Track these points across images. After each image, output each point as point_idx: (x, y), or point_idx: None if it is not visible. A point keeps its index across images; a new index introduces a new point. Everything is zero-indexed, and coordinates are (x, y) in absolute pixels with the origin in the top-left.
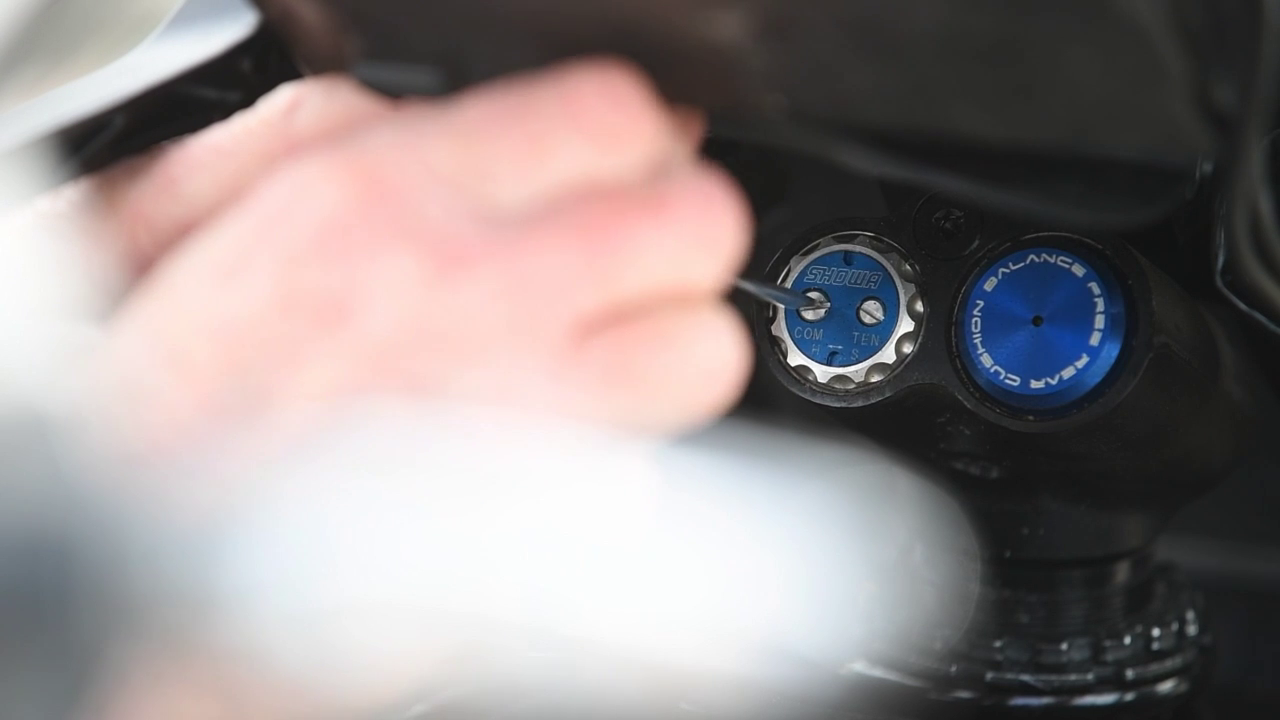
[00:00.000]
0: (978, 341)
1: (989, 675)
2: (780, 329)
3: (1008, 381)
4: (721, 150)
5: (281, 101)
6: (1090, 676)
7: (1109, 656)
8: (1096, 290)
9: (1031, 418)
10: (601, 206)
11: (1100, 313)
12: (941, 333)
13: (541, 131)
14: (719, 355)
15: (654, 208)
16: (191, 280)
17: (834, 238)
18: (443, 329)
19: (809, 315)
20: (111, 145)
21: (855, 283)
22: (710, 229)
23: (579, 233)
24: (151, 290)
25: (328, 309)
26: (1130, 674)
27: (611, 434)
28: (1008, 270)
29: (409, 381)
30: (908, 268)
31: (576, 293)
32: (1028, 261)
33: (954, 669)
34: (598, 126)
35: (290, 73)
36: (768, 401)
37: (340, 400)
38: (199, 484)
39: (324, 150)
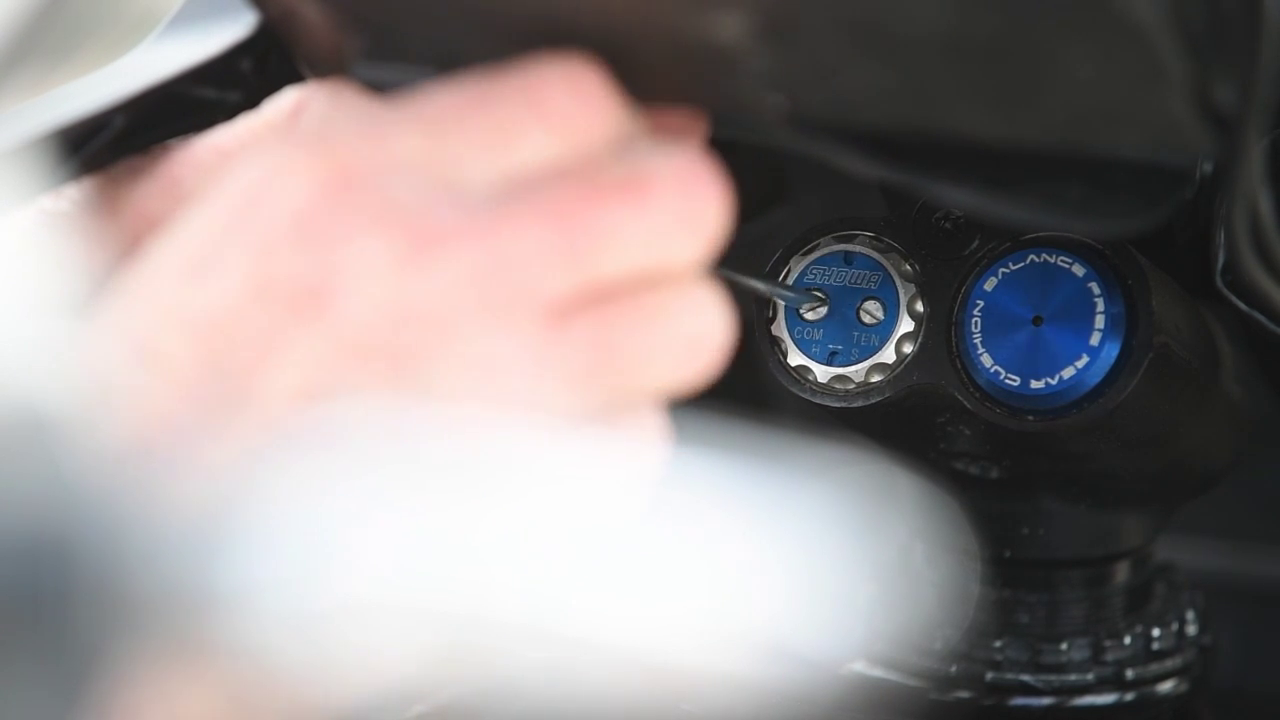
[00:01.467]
0: (978, 341)
1: (989, 675)
2: (780, 329)
3: (1008, 381)
4: (721, 150)
5: (286, 104)
6: (1090, 676)
7: (1109, 656)
8: (1096, 290)
9: (1031, 418)
10: (572, 189)
11: (1100, 313)
12: (942, 333)
13: (504, 120)
14: (703, 324)
15: (627, 189)
16: (162, 274)
17: (834, 238)
18: (419, 310)
19: (809, 315)
20: (111, 145)
21: (855, 283)
22: (689, 208)
23: (551, 215)
24: (123, 286)
25: (303, 297)
26: (1130, 674)
27: (601, 413)
28: (1008, 270)
29: (389, 365)
30: (908, 268)
31: (551, 273)
32: (1028, 261)
33: (954, 669)
34: (559, 115)
35: (290, 73)
36: (768, 401)
37: (321, 388)
38: (189, 477)
39: (288, 141)
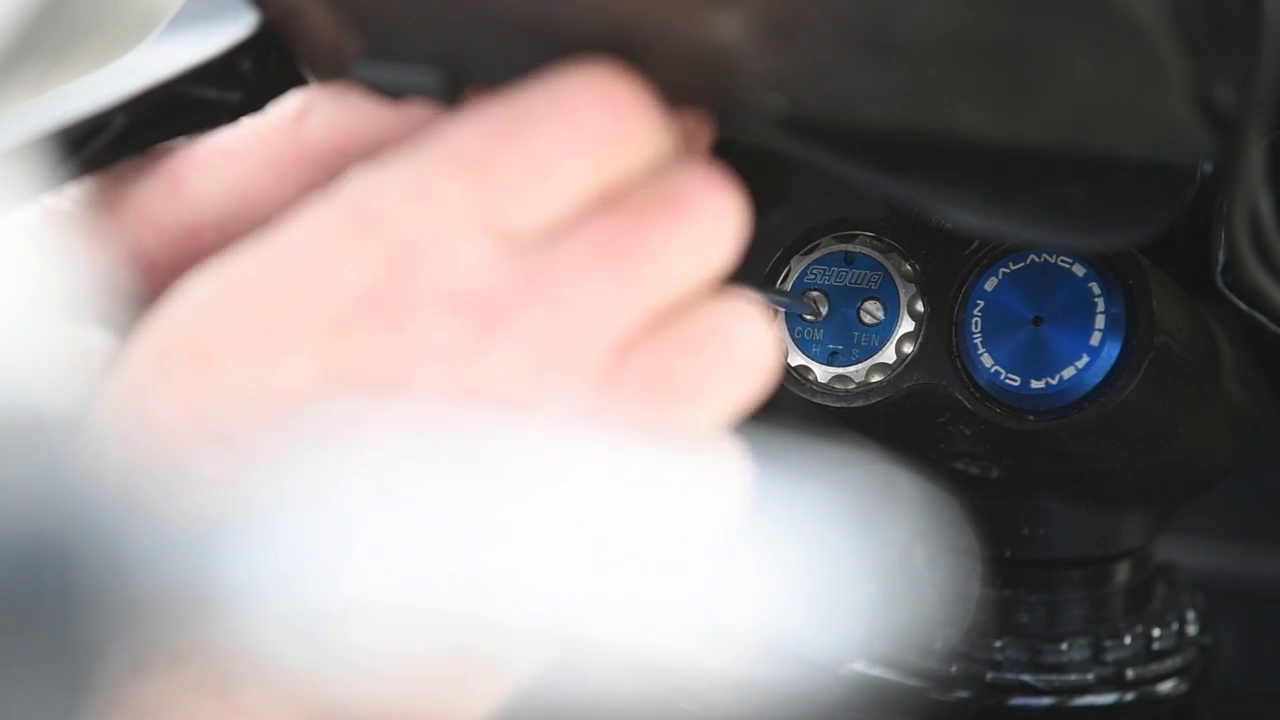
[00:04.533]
0: (978, 341)
1: (989, 675)
2: (780, 329)
3: (1008, 381)
4: (722, 150)
5: (290, 107)
6: (1090, 676)
7: (1109, 656)
8: (1096, 290)
9: (1032, 418)
10: (619, 219)
11: (1100, 313)
12: (942, 333)
13: (544, 151)
14: (754, 342)
15: (669, 209)
16: (232, 352)
17: (834, 238)
18: (487, 384)
19: (809, 315)
20: (112, 145)
21: (855, 283)
22: (721, 216)
23: (604, 251)
24: (182, 361)
25: (375, 379)
26: (1130, 674)
27: (662, 442)
28: (1008, 270)
29: (459, 442)
30: (908, 267)
31: (613, 313)
32: (1028, 261)
33: (954, 669)
34: (596, 139)
35: (290, 73)
36: (768, 401)
37: (390, 470)
38: (197, 490)
39: (334, 208)
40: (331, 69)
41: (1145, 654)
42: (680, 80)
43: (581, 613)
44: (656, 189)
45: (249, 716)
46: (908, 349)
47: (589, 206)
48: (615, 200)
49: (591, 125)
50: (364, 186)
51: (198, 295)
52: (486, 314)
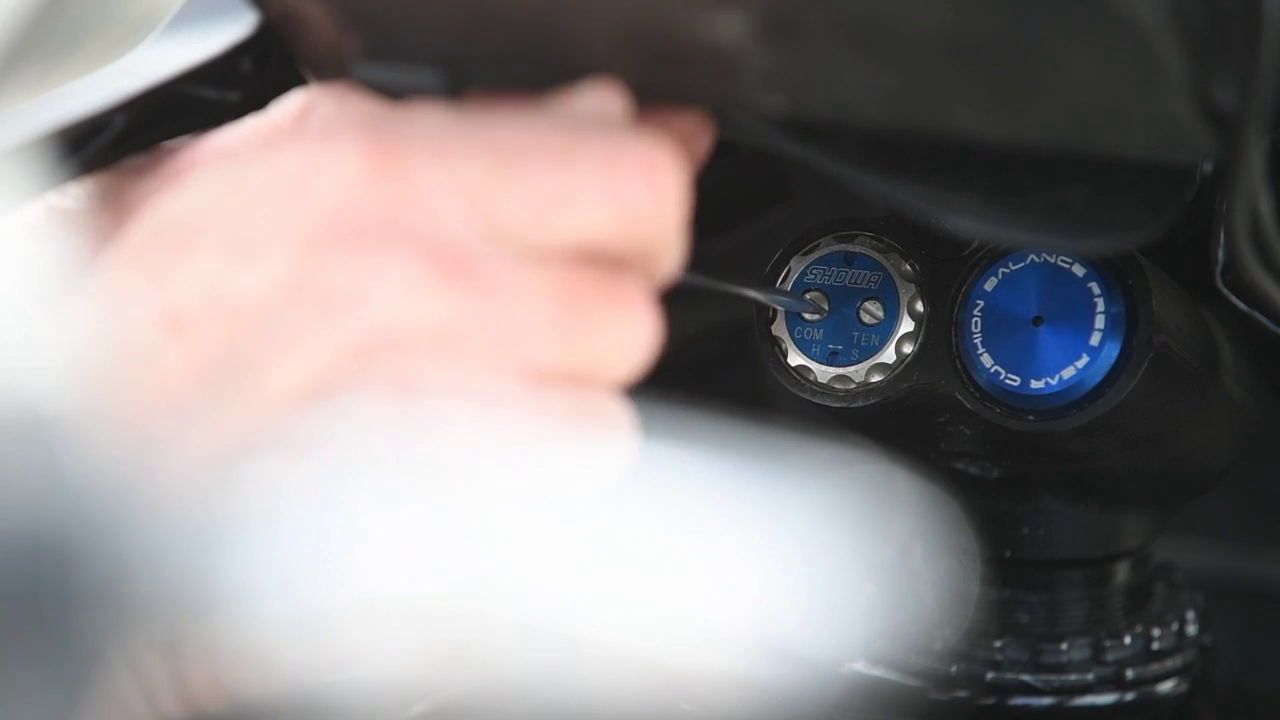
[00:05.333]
0: (978, 341)
1: (989, 675)
2: (780, 329)
3: (1008, 381)
4: (722, 150)
5: (293, 106)
6: (1090, 676)
7: (1109, 656)
8: (1096, 290)
9: (1031, 418)
10: (591, 284)
11: (1100, 313)
12: (942, 333)
13: (576, 188)
14: (640, 331)
15: (627, 302)
16: (209, 249)
17: (834, 238)
18: (426, 334)
19: (809, 315)
20: (112, 145)
21: (855, 283)
22: (641, 335)
23: (562, 300)
24: (165, 245)
25: (332, 301)
26: (1130, 674)
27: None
28: (1008, 270)
29: (389, 380)
30: (908, 268)
31: (540, 346)
32: (1028, 261)
33: (954, 669)
34: (629, 204)
35: (290, 73)
36: (768, 401)
37: (321, 391)
38: (179, 460)
39: (350, 127)
40: (332, 69)
41: (1145, 654)
42: (680, 80)
43: (579, 613)
44: (637, 277)
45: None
46: (907, 349)
47: (580, 254)
48: (599, 265)
49: (628, 188)
50: (390, 126)
51: (200, 187)
52: (451, 275)
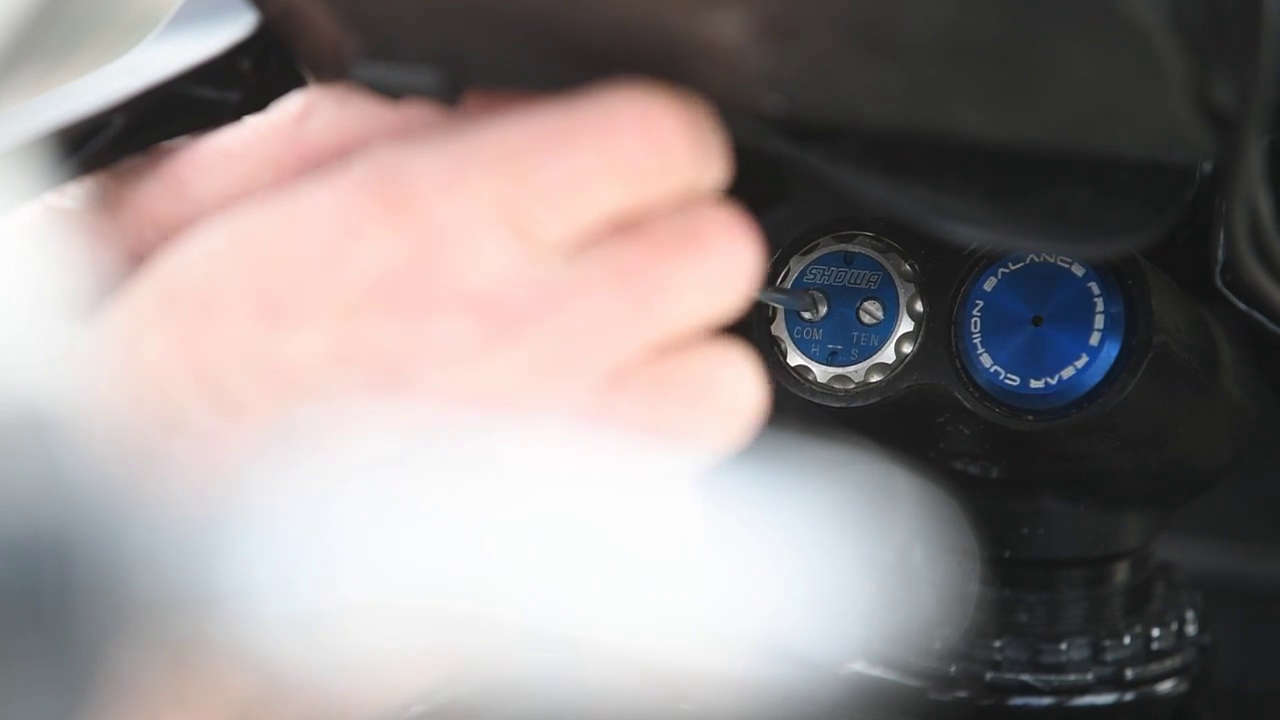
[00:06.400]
0: (977, 341)
1: (989, 675)
2: (780, 329)
3: (1007, 381)
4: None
5: (293, 108)
6: (1090, 676)
7: (1109, 656)
8: (1096, 290)
9: (1031, 417)
10: (639, 247)
11: (1100, 312)
12: (941, 333)
13: (580, 167)
14: (744, 393)
15: (689, 245)
16: (241, 308)
17: (834, 237)
18: (488, 389)
19: (808, 315)
20: (111, 145)
21: (855, 283)
22: (736, 261)
23: (620, 276)
24: (190, 304)
25: (382, 369)
26: (1130, 674)
27: (636, 473)
28: (1007, 270)
29: (453, 439)
30: (907, 267)
31: (619, 338)
32: (1027, 261)
33: (954, 669)
34: (632, 164)
35: (290, 73)
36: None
37: (386, 459)
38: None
39: (362, 178)
40: (331, 69)
41: (1145, 654)
42: (680, 80)
43: (579, 613)
44: (679, 223)
45: (250, 716)
46: (907, 349)
47: (613, 227)
48: (638, 226)
49: (628, 149)
50: (394, 162)
51: (209, 243)
52: (500, 321)
